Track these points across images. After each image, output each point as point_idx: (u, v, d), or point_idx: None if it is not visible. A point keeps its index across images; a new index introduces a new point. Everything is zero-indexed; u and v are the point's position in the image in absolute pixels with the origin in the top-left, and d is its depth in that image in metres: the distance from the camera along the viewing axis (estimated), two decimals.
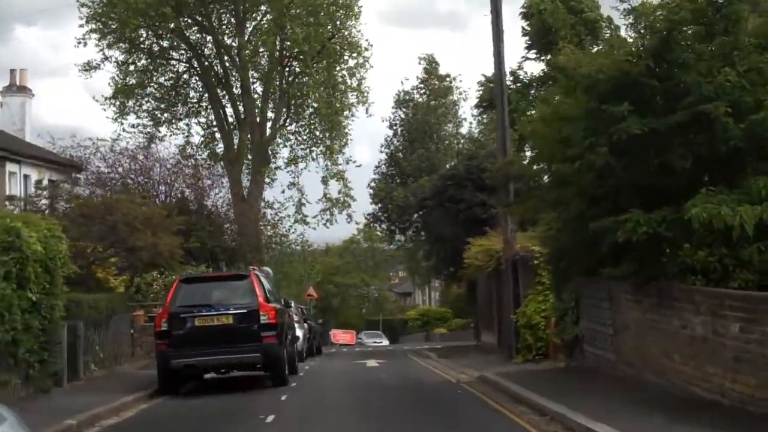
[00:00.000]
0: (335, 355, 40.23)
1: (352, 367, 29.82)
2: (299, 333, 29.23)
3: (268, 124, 56.66)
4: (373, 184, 58.44)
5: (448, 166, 53.05)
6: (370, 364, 30.18)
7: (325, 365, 32.05)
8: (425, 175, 50.05)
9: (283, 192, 57.52)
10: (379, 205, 53.48)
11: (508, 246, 24.86)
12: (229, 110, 56.42)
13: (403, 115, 66.04)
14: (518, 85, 34.31)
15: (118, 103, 53.42)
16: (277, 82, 54.68)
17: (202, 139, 57.90)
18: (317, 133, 58.85)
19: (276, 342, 20.79)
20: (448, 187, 36.75)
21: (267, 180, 56.21)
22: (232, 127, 57.15)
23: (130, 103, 54.22)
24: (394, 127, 65.85)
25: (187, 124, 56.86)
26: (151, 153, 40.24)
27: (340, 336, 55.77)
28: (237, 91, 55.68)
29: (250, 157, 55.81)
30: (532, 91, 33.09)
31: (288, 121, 58.74)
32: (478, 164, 35.16)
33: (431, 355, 34.38)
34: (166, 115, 57.96)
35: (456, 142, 63.96)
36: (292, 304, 28.82)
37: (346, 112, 55.99)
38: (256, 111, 56.07)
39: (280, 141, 57.90)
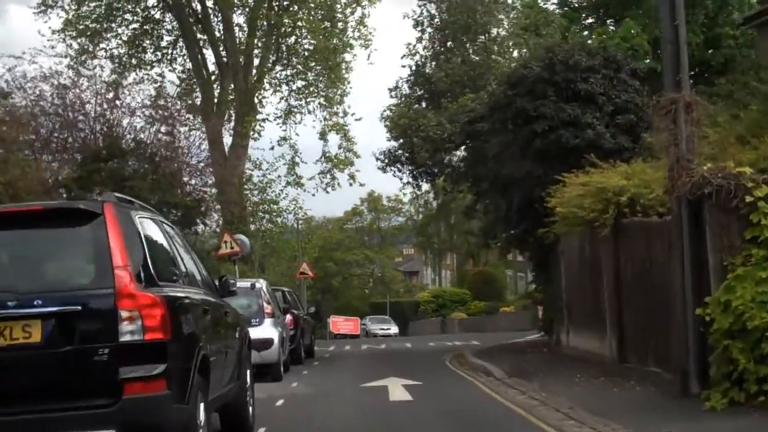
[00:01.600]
0: (334, 360, 27.94)
1: (362, 404, 15.86)
2: (270, 333, 18.89)
3: (256, 64, 48.06)
4: (388, 112, 38.08)
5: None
6: (397, 396, 16.32)
7: (312, 398, 17.06)
8: (469, 92, 33.28)
9: (272, 149, 49.18)
10: (400, 140, 34.38)
11: (682, 169, 12.85)
12: (208, 54, 48.06)
13: (434, 9, 42.29)
14: None
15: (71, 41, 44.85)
16: (264, 11, 46.00)
17: (178, 89, 49.12)
18: (312, 80, 50.17)
19: (163, 393, 7.76)
20: (515, 98, 23.17)
21: (253, 134, 47.64)
22: (211, 74, 48.67)
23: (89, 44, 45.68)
24: (422, 27, 42.37)
25: (161, 75, 48.31)
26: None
27: (341, 325, 46.86)
28: (218, 34, 47.27)
29: (233, 112, 47.40)
30: None
31: (278, 64, 50.14)
32: (567, 59, 22.85)
33: (490, 368, 20.10)
34: (133, 61, 49.27)
35: (513, 44, 41.29)
36: (261, 286, 19.45)
37: (346, 55, 47.55)
38: (240, 52, 47.61)
39: (268, 87, 49.31)
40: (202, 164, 31.97)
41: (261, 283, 19.89)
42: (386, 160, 35.56)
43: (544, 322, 27.54)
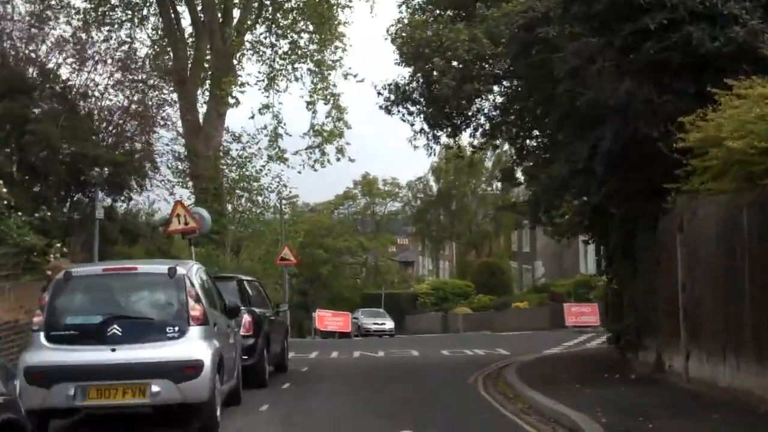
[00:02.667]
0: (313, 380, 18.93)
1: None
2: (196, 351, 11.40)
3: (236, 21, 42.52)
4: (399, 26, 25.21)
5: None
6: None
7: None
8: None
9: (252, 118, 43.73)
10: (413, 65, 23.46)
11: None
12: (183, 11, 43.30)
13: None
14: None
15: None
16: None
17: (149, 51, 43.68)
18: (301, 42, 44.68)
19: None
20: None
21: (231, 100, 42.09)
22: (186, 34, 44.05)
23: None
24: None
25: (130, 36, 42.83)
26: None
27: (328, 320, 40.14)
28: None
29: (209, 75, 42.02)
30: None
31: (261, 22, 44.61)
32: None
33: (576, 419, 11.52)
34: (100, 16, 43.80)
35: None
36: (184, 273, 11.62)
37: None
38: (218, 8, 42.20)
39: (249, 47, 43.69)
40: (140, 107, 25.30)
41: (187, 268, 12.08)
42: (392, 97, 24.53)
43: (619, 331, 19.05)
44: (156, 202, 33.21)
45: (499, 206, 70.79)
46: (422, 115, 20.65)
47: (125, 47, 33.23)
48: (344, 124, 42.30)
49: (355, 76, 42.73)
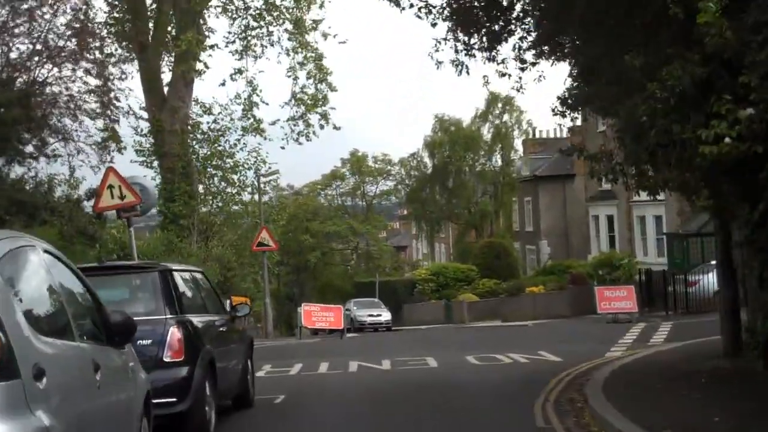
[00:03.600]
0: (299, 419, 12.72)
1: None
2: None
3: None
4: None
5: None
6: None
7: None
8: None
9: (223, 84, 38.64)
10: None
11: None
12: None
13: None
14: None
15: None
16: None
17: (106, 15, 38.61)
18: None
19: None
20: None
21: (198, 65, 36.90)
22: None
23: None
24: None
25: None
26: None
27: (317, 316, 33.46)
28: None
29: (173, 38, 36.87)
30: None
31: None
32: None
33: None
34: None
35: None
36: None
37: None
38: None
39: (216, 2, 38.36)
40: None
41: None
42: None
43: (753, 339, 13.06)
44: (80, 168, 27.65)
45: (534, 174, 65.49)
46: (447, 11, 13.85)
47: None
48: (328, 87, 36.95)
49: (335, 36, 37.53)
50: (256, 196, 40.76)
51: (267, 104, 39.37)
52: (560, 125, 64.63)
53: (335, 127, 37.44)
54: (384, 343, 29.88)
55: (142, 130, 39.50)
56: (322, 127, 37.70)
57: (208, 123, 40.33)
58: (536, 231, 68.74)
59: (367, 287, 62.57)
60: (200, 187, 40.04)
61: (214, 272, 29.12)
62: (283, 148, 41.56)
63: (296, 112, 39.13)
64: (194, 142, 39.97)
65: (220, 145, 40.52)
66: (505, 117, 69.43)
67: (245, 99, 38.93)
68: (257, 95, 38.84)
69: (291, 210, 71.84)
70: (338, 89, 37.30)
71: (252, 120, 38.89)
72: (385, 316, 51.42)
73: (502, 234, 67.19)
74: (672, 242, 47.31)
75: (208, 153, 40.46)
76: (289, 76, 39.06)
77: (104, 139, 34.33)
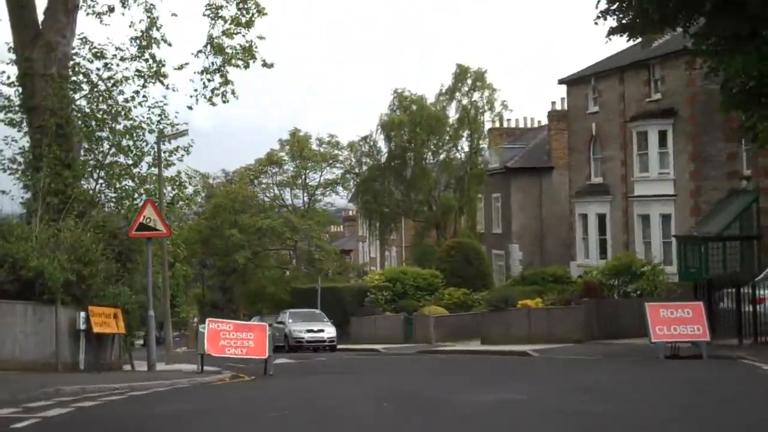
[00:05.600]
0: None
1: None
2: None
3: None
4: None
5: None
6: None
7: None
8: None
9: (111, 11, 28.39)
10: None
11: None
12: None
13: None
14: None
15: None
16: None
17: None
18: None
19: None
20: None
21: None
22: None
23: None
24: None
25: None
26: None
27: (227, 338, 22.28)
28: None
29: None
30: None
31: None
32: None
33: None
34: None
35: None
36: None
37: None
38: None
39: None
40: None
41: None
42: None
43: None
44: None
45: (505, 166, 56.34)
46: None
47: None
48: (258, 11, 27.15)
49: None
50: (155, 168, 30.45)
51: (170, 45, 29.73)
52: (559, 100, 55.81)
53: (266, 65, 27.72)
54: (322, 378, 19.77)
55: (9, 78, 29.93)
56: (247, 66, 28.04)
57: (97, 70, 30.25)
58: (506, 233, 59.78)
59: (307, 295, 52.72)
60: (82, 154, 29.80)
61: (57, 267, 18.99)
62: (190, 107, 32.51)
63: (212, 63, 30.36)
64: (77, 94, 29.87)
65: (111, 99, 30.35)
66: (475, 95, 59.82)
67: (142, 32, 29.02)
68: (157, 30, 29.01)
69: (217, 200, 61.98)
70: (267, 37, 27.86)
71: (150, 61, 29.02)
72: (329, 331, 41.71)
73: (466, 234, 57.51)
74: (684, 247, 39.88)
75: (94, 108, 30.23)
76: (208, 15, 29.53)
77: None
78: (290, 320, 43.01)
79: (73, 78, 29.68)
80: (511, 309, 34.30)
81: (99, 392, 16.68)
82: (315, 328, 41.76)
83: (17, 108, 30.12)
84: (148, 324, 22.19)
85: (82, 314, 20.32)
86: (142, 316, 23.51)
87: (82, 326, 20.34)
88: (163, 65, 30.08)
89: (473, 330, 39.14)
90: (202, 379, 19.90)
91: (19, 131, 30.05)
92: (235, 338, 21.65)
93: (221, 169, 73.52)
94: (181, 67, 30.96)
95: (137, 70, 29.47)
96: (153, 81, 29.63)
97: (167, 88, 30.14)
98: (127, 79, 30.64)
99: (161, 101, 30.85)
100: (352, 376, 20.73)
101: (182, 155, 32.04)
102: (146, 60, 29.51)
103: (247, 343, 21.69)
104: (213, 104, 31.60)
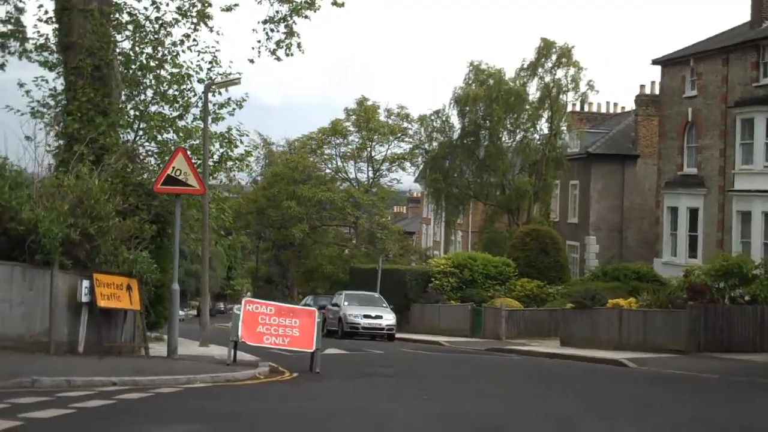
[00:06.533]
0: None
1: None
2: None
3: None
4: None
5: None
6: None
7: None
8: None
9: None
10: None
11: None
12: None
13: None
14: None
15: None
16: None
17: None
18: None
19: None
20: None
21: None
22: None
23: None
24: None
25: None
26: None
27: (267, 324, 18.46)
28: None
29: None
30: None
31: None
32: None
33: None
34: None
35: None
36: None
37: None
38: None
39: None
40: None
41: None
42: None
43: None
44: None
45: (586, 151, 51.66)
46: None
47: None
48: None
49: None
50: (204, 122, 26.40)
51: None
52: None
53: (335, 2, 23.60)
54: (379, 386, 15.50)
55: (46, 13, 26.51)
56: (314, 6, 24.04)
57: (144, 9, 26.63)
58: (582, 223, 55.17)
59: (366, 276, 48.48)
60: (121, 101, 26.04)
61: (55, 220, 14.96)
62: (252, 61, 29.16)
63: (277, 12, 27.35)
64: (119, 35, 26.26)
65: (157, 43, 26.65)
66: (559, 73, 54.90)
67: None
68: None
69: (276, 168, 58.16)
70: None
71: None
72: (387, 318, 37.54)
73: (540, 222, 52.89)
74: None
75: (138, 52, 26.45)
76: None
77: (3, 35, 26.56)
78: (346, 303, 38.86)
79: (117, 17, 26.06)
80: (598, 308, 29.71)
81: (85, 389, 12.62)
82: (373, 314, 37.55)
83: (54, 47, 26.69)
84: (171, 300, 18.06)
85: (86, 283, 16.15)
86: (189, 289, 19.44)
87: (85, 298, 16.20)
88: (209, 4, 26.25)
89: (549, 328, 34.67)
90: (230, 375, 15.68)
91: (51, 72, 26.55)
92: (276, 324, 17.37)
93: (284, 138, 69.93)
94: (229, 9, 27.26)
95: (178, 8, 25.67)
96: (194, 21, 25.85)
97: (211, 30, 26.42)
98: (177, 21, 26.95)
99: (212, 47, 27.23)
100: (419, 385, 16.33)
101: (233, 109, 28.37)
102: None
103: (291, 331, 17.42)
104: (277, 58, 28.42)
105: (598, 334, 29.04)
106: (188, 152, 23.31)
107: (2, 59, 27.48)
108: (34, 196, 15.84)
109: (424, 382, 16.88)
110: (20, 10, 28.08)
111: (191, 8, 25.88)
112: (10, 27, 27.33)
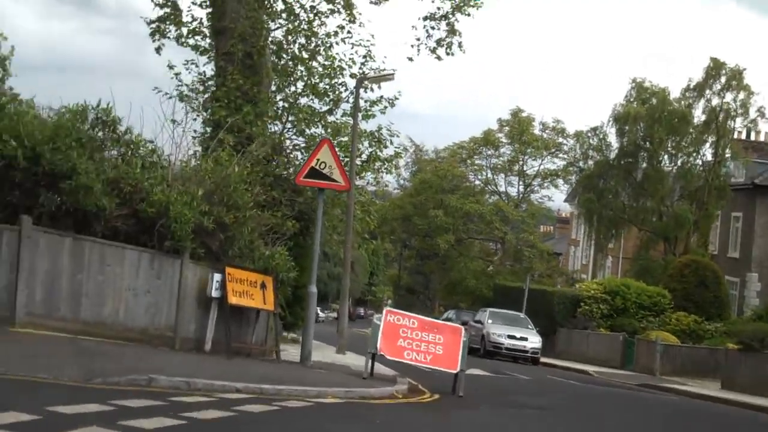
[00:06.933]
0: None
1: None
2: None
3: None
4: None
5: None
6: None
7: None
8: None
9: None
10: None
11: None
12: None
13: None
14: None
15: None
16: None
17: None
18: None
19: None
20: None
21: None
22: None
23: None
24: None
25: None
26: None
27: (409, 338, 17.26)
28: None
29: None
30: None
31: None
32: None
33: None
34: None
35: None
36: None
37: None
38: None
39: None
40: None
41: None
42: None
43: None
44: None
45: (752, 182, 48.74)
46: None
47: None
48: None
49: None
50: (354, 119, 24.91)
51: None
52: None
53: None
54: (532, 421, 13.51)
55: None
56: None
57: None
58: (744, 258, 51.38)
59: (512, 295, 46.35)
60: (271, 91, 24.97)
61: (188, 205, 13.60)
62: (410, 59, 27.68)
63: (438, 9, 26.41)
64: (272, 23, 25.28)
65: (311, 33, 25.60)
66: (728, 96, 51.48)
67: None
68: None
69: (424, 175, 56.60)
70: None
71: None
72: (533, 341, 35.39)
73: (699, 253, 49.58)
74: None
75: (290, 41, 25.34)
76: None
77: (161, 18, 25.78)
78: (490, 321, 36.85)
79: (271, 3, 24.93)
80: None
81: (204, 394, 11.16)
82: (517, 335, 35.42)
83: (206, 32, 25.82)
84: (308, 303, 16.50)
85: (217, 276, 14.80)
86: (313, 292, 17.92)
87: (215, 293, 14.87)
88: None
89: (708, 368, 31.79)
90: (365, 391, 13.99)
91: (202, 56, 25.64)
92: (418, 339, 15.62)
93: (433, 146, 68.40)
94: (378, 2, 25.86)
95: None
96: (340, 9, 24.57)
97: (351, 21, 25.02)
98: (333, 12, 25.68)
99: (366, 40, 25.82)
100: (585, 428, 14.27)
101: (385, 107, 26.89)
102: None
103: (435, 348, 15.65)
104: (438, 57, 27.26)
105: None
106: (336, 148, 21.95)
107: (159, 43, 26.81)
108: (168, 178, 14.62)
109: (589, 425, 14.82)
110: None
111: None
112: (166, 10, 26.68)
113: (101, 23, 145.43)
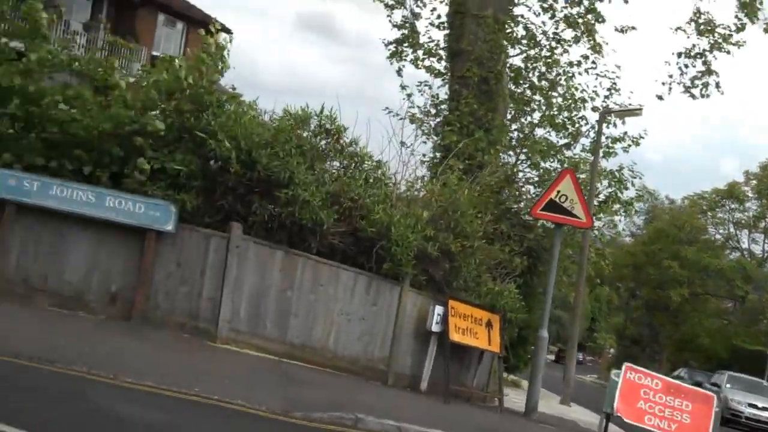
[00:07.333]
0: None
1: None
2: None
3: None
4: None
5: None
6: None
7: None
8: None
9: None
10: None
11: None
12: None
13: None
14: None
15: None
16: None
17: None
18: None
19: None
20: None
21: None
22: None
23: None
24: None
25: None
26: None
27: (652, 400, 15.10)
28: None
29: None
30: None
31: None
32: None
33: None
34: None
35: None
36: None
37: None
38: None
39: None
40: None
41: None
42: None
43: None
44: None
45: None
46: None
47: None
48: None
49: None
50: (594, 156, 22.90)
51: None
52: None
53: None
54: None
55: (439, 17, 25.34)
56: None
57: (542, 24, 24.49)
58: None
59: (750, 358, 42.55)
60: (507, 120, 23.56)
61: (411, 227, 12.20)
62: (660, 97, 25.78)
63: (694, 45, 25.01)
64: (511, 49, 23.93)
65: (552, 61, 24.13)
66: None
67: None
68: None
69: (660, 224, 53.38)
70: None
71: (586, 17, 22.90)
72: None
73: None
74: None
75: (530, 67, 23.89)
76: None
77: (398, 41, 25.69)
78: (728, 385, 33.55)
79: (511, 27, 23.49)
80: None
81: None
82: (759, 404, 31.99)
83: (442, 54, 24.83)
84: (538, 348, 14.68)
85: (439, 309, 13.24)
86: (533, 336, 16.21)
87: (435, 327, 13.29)
88: (599, 19, 23.09)
89: None
90: None
91: (437, 78, 24.56)
92: (662, 404, 13.46)
93: (665, 195, 64.90)
94: (623, 31, 24.09)
95: (565, 17, 22.78)
96: (581, 35, 22.83)
97: (596, 51, 23.16)
98: (577, 40, 23.98)
99: (611, 71, 23.87)
100: None
101: (629, 145, 24.74)
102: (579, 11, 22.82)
103: (681, 416, 13.43)
104: (692, 96, 25.35)
105: None
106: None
107: (399, 65, 26.07)
108: (392, 197, 13.29)
109: None
110: (416, 15, 26.62)
111: (578, 18, 22.96)
112: (404, 32, 25.94)
113: (339, 51, 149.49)
